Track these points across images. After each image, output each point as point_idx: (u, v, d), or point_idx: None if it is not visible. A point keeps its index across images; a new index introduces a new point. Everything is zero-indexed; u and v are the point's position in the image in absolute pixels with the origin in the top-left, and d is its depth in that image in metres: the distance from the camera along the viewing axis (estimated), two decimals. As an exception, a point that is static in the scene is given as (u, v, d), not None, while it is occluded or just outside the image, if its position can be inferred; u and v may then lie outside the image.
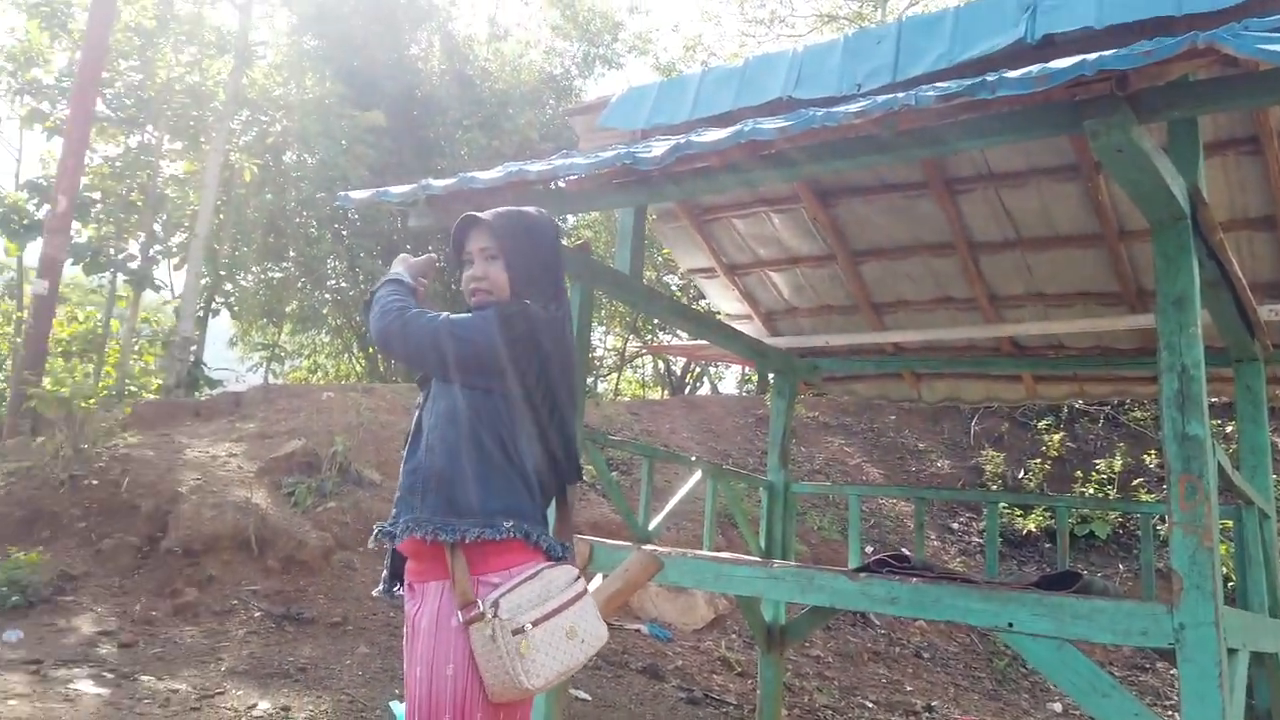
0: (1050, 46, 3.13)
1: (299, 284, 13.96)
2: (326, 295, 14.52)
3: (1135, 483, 10.77)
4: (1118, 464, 11.05)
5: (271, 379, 15.86)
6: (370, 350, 14.94)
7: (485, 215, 2.22)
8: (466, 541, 1.98)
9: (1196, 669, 2.43)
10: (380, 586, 2.26)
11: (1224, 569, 6.32)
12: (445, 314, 2.15)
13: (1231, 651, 2.64)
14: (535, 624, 1.94)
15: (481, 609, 1.93)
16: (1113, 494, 10.73)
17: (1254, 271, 4.41)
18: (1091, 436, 12.02)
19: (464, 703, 1.94)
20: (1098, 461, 11.23)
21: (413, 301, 2.24)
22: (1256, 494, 3.88)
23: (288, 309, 14.08)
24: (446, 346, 2.07)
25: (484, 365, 2.06)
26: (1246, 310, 3.62)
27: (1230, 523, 4.32)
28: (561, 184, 3.57)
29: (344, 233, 13.67)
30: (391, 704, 3.00)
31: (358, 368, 15.98)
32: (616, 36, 17.40)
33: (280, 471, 7.57)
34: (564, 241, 2.82)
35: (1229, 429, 9.45)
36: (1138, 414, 11.90)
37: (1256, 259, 4.40)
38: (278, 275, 14.03)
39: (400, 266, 2.39)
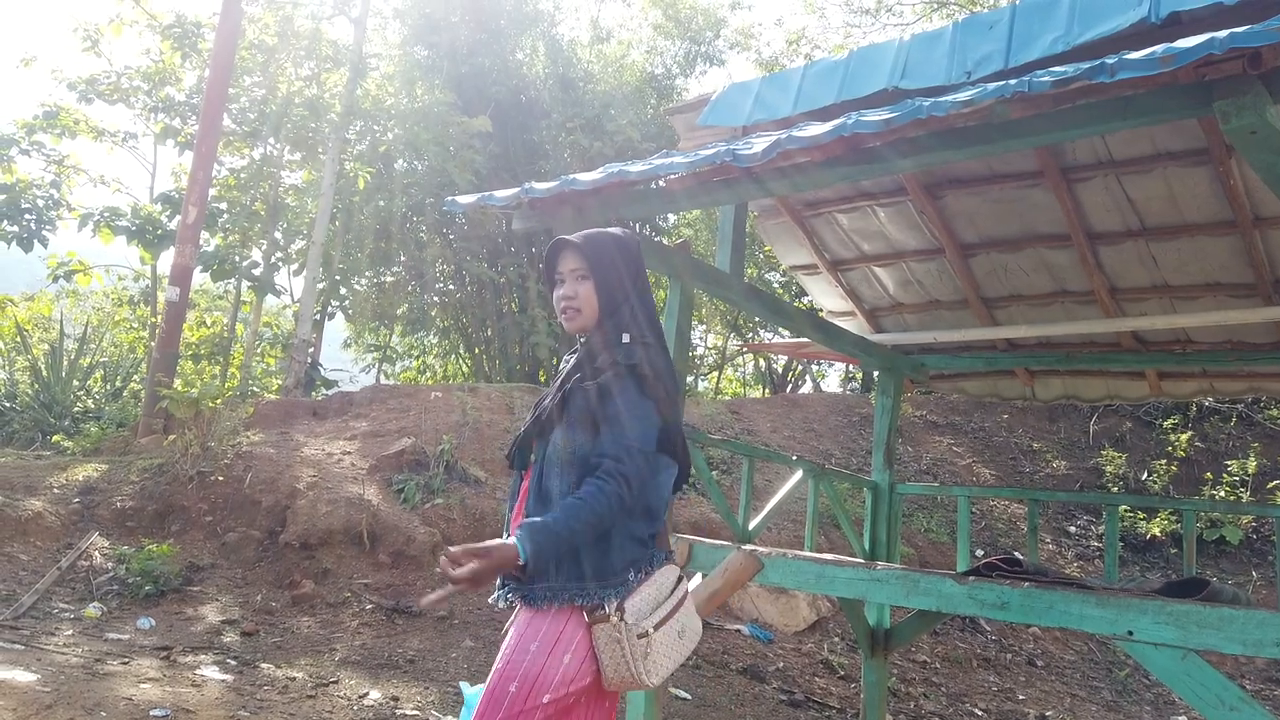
0: (1176, 25, 2.96)
1: (409, 287, 14.41)
2: (434, 298, 14.94)
3: (1271, 485, 10.12)
4: (1252, 465, 10.40)
5: (382, 379, 16.43)
6: (475, 350, 15.30)
7: (575, 238, 2.31)
8: (602, 605, 2.10)
9: (1343, 687, 2.26)
10: (495, 593, 2.29)
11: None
12: (625, 441, 2.12)
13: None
14: (656, 627, 2.09)
15: (607, 611, 2.06)
16: (1246, 497, 10.11)
17: None
18: (1223, 436, 11.35)
19: (537, 679, 2.03)
20: (1230, 462, 10.60)
21: (607, 486, 2.10)
22: None
23: (398, 311, 14.55)
24: (650, 469, 2.16)
25: (650, 447, 2.16)
26: (1399, 301, 3.35)
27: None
28: (662, 183, 3.57)
29: (451, 237, 14.04)
30: (461, 684, 3.07)
31: (464, 368, 16.40)
32: (719, 33, 17.32)
33: (390, 469, 7.84)
34: (664, 241, 2.84)
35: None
36: (1274, 412, 11.18)
37: None
38: (389, 279, 14.51)
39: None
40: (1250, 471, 10.36)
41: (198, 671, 4.79)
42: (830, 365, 18.04)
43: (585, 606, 2.08)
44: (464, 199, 3.63)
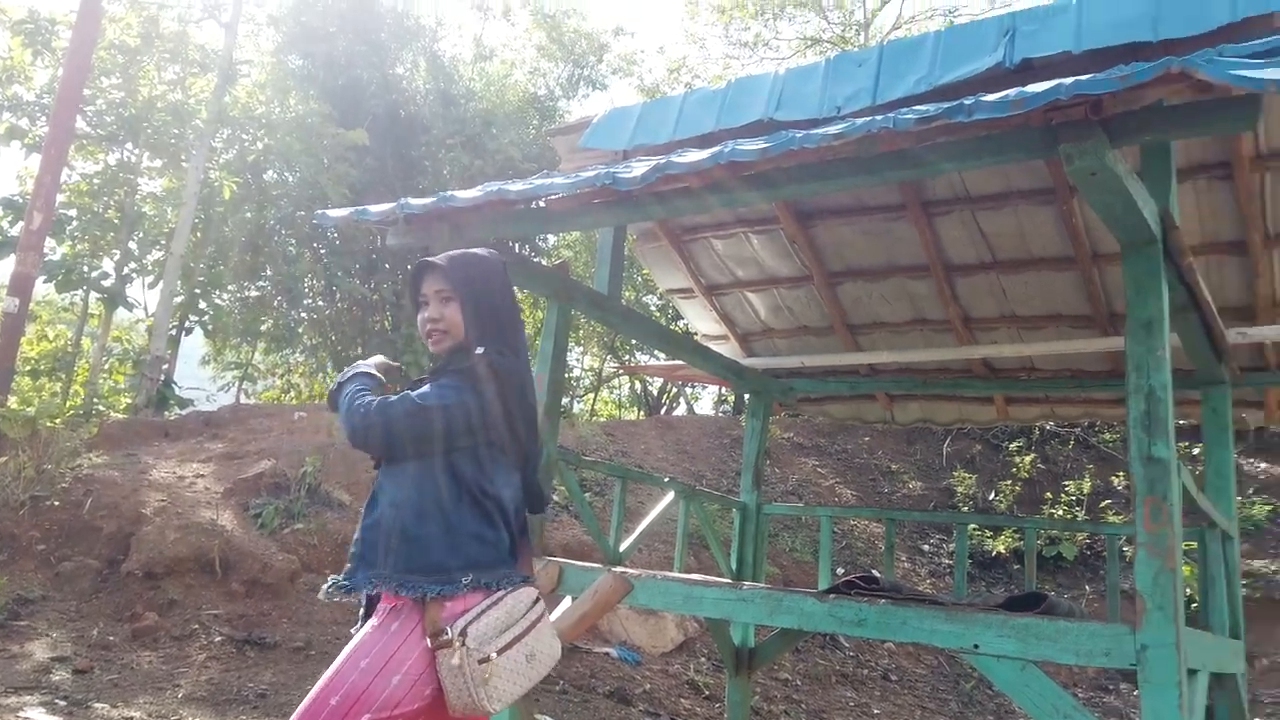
0: (1029, 71, 3.18)
1: (275, 303, 13.84)
2: (303, 314, 14.40)
3: (1103, 504, 10.88)
4: (1087, 486, 11.16)
5: (243, 399, 15.68)
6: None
7: (439, 259, 2.32)
8: (428, 598, 2.06)
9: (1157, 690, 2.44)
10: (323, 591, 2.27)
11: (1187, 590, 6.39)
12: (410, 394, 2.17)
13: (1192, 672, 2.67)
14: (500, 652, 2.04)
15: (449, 635, 2.01)
16: (1081, 515, 10.83)
17: (1223, 296, 4.49)
18: (1062, 458, 12.14)
19: (360, 698, 1.98)
20: (1067, 483, 11.34)
21: (381, 395, 2.26)
22: (1220, 516, 3.93)
23: (263, 328, 13.94)
24: (430, 429, 2.13)
25: (466, 429, 2.15)
26: (1215, 335, 3.68)
27: (1194, 544, 4.36)
28: (542, 204, 3.57)
29: (322, 251, 13.59)
30: None
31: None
32: (601, 58, 17.51)
33: (248, 493, 7.48)
34: (543, 262, 2.86)
35: (1195, 451, 9.58)
36: (1107, 436, 12.05)
37: (1226, 283, 4.48)
38: (254, 294, 13.90)
39: (368, 364, 2.42)
40: (1085, 491, 11.10)
41: (21, 714, 4.41)
42: (704, 388, 18.36)
43: (425, 620, 2.04)
44: (336, 213, 3.52)
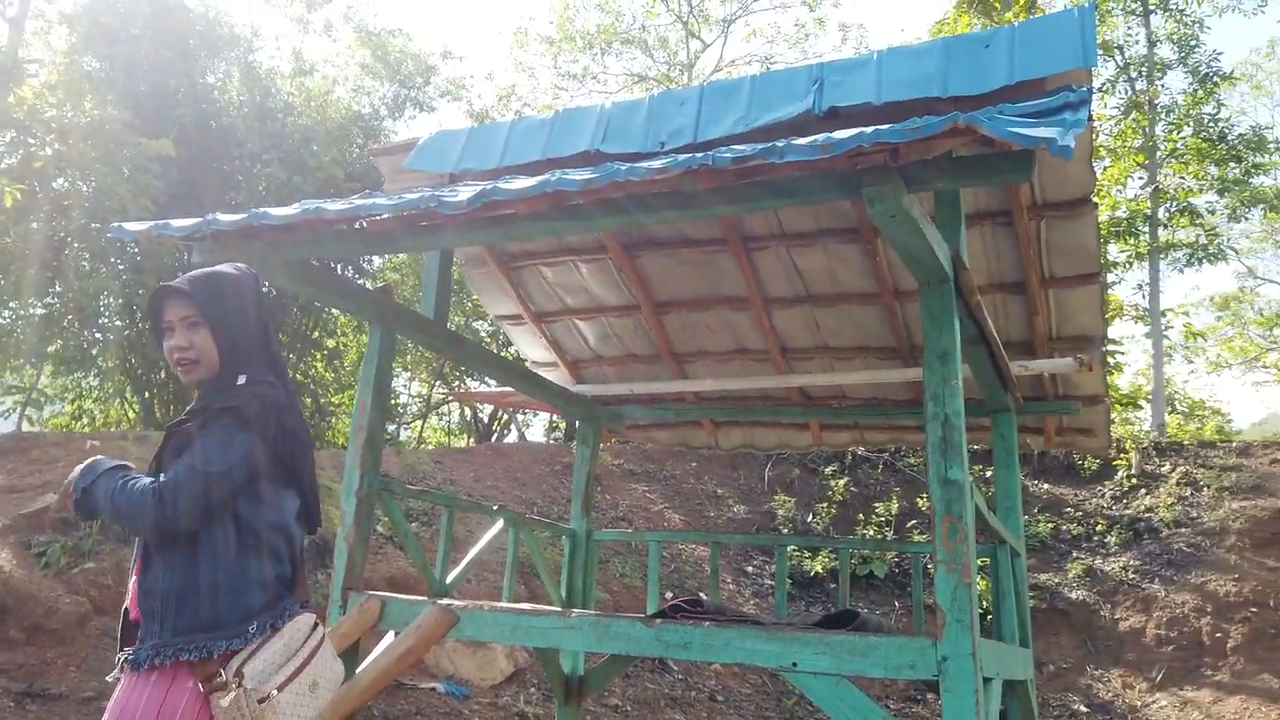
0: (835, 118, 3.39)
1: (66, 321, 12.68)
2: (98, 335, 13.26)
3: (910, 525, 11.59)
4: (894, 507, 11.86)
5: (27, 426, 14.24)
6: (145, 394, 13.76)
7: (182, 283, 2.19)
8: (214, 656, 1.97)
9: (957, 698, 2.62)
10: (116, 671, 2.13)
11: (982, 603, 6.91)
12: (191, 462, 2.05)
13: (987, 680, 2.87)
14: (281, 688, 1.98)
15: (225, 677, 1.94)
16: (889, 535, 11.49)
17: (1007, 331, 4.91)
18: (872, 481, 12.85)
19: None
20: (877, 505, 12.01)
21: (144, 476, 2.12)
22: (1009, 534, 4.28)
23: (51, 349, 12.73)
24: (219, 492, 2.05)
25: (249, 478, 2.09)
26: (1001, 366, 4.01)
27: (987, 560, 4.72)
28: (364, 224, 3.46)
29: (121, 267, 12.58)
30: None
31: (130, 414, 14.66)
32: (429, 80, 17.24)
33: (30, 530, 6.77)
34: (367, 284, 2.79)
35: (987, 474, 10.40)
36: (912, 460, 12.86)
37: (1009, 320, 4.91)
38: (39, 311, 12.68)
39: (105, 460, 2.24)
40: (894, 512, 11.80)
41: None
42: (535, 415, 18.26)
43: (196, 667, 1.93)
44: (134, 226, 3.28)
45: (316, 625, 2.17)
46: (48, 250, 11.91)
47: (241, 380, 2.15)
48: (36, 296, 12.44)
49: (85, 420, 15.53)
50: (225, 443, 2.06)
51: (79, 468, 2.17)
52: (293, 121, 14.17)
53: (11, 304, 12.28)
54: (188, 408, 2.24)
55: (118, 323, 13.53)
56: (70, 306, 12.55)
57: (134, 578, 2.15)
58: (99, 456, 2.22)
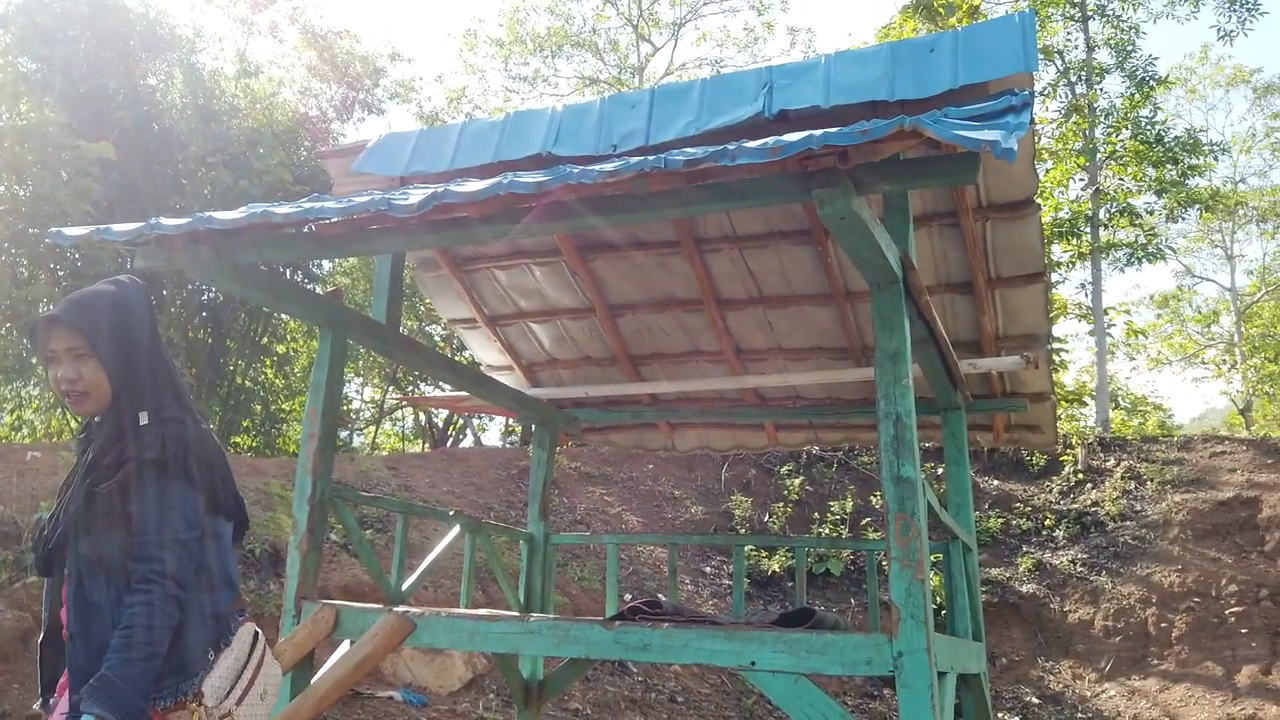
0: (785, 121, 3.42)
1: (3, 330, 12.31)
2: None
3: (864, 522, 11.74)
4: (849, 505, 11.99)
5: (-38, 436, 13.80)
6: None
7: (63, 312, 2.08)
8: (184, 699, 1.97)
9: (912, 693, 2.66)
10: (39, 701, 2.10)
11: (936, 598, 7.01)
12: (160, 538, 1.99)
13: (941, 674, 2.92)
14: (240, 702, 1.99)
15: (185, 699, 1.92)
16: (845, 533, 11.62)
17: (955, 331, 5.00)
18: (827, 480, 12.98)
19: None
20: (832, 503, 12.14)
21: (153, 594, 1.97)
22: (961, 529, 4.35)
23: (-14, 358, 12.35)
24: (198, 555, 2.05)
25: (196, 531, 2.06)
26: (950, 365, 4.08)
27: (940, 556, 4.80)
28: (313, 228, 3.41)
29: (61, 274, 12.25)
30: None
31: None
32: (378, 82, 17.05)
33: (-38, 554, 6.56)
34: (316, 289, 2.75)
35: (939, 471, 10.57)
36: (865, 459, 13.02)
37: (958, 319, 4.99)
38: (-27, 319, 12.30)
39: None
40: (848, 511, 11.94)
41: None
42: (491, 419, 18.15)
43: (159, 711, 1.90)
44: (74, 231, 3.20)
45: (257, 634, 2.16)
46: (-18, 256, 11.56)
47: (144, 419, 2.07)
48: (-30, 304, 12.06)
49: (26, 431, 15.08)
50: (175, 505, 2.01)
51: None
52: (238, 124, 13.93)
53: (-56, 312, 11.90)
54: (87, 454, 2.13)
55: (59, 331, 13.16)
56: (8, 314, 12.18)
57: (61, 616, 2.09)
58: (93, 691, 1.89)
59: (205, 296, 14.02)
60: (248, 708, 2.00)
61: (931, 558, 4.89)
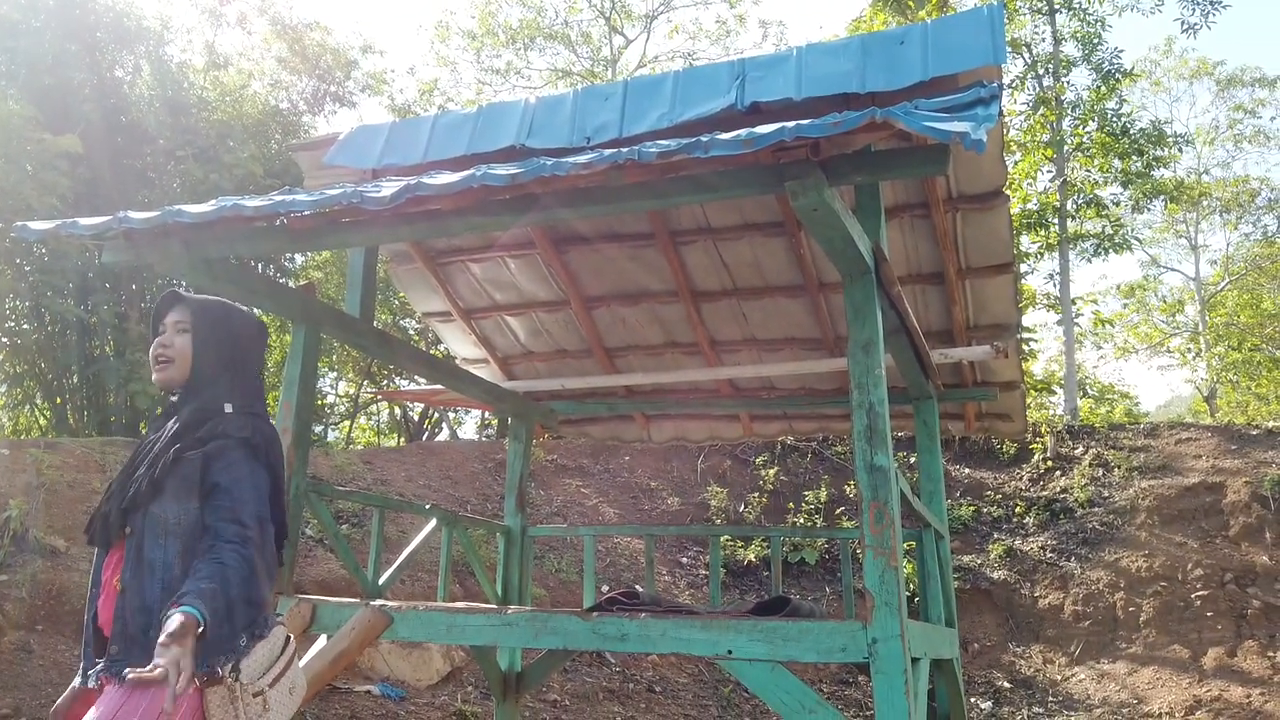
0: (757, 113, 3.44)
1: (-33, 326, 12.10)
2: (4, 339, 12.69)
3: (839, 512, 11.84)
4: (823, 495, 12.09)
5: (-74, 435, 13.56)
6: (57, 400, 13.22)
7: (190, 295, 2.36)
8: (220, 674, 2.05)
9: (886, 678, 2.70)
10: (81, 675, 2.17)
11: (909, 585, 7.09)
12: (235, 507, 2.12)
13: (915, 660, 2.96)
14: (272, 685, 2.11)
15: (222, 674, 2.02)
16: (820, 522, 11.71)
17: (927, 321, 5.05)
18: (801, 470, 13.06)
19: None
20: (807, 493, 12.22)
21: (246, 552, 2.09)
22: (933, 517, 4.41)
23: (-51, 354, 12.14)
24: (267, 522, 2.20)
25: (266, 512, 2.21)
26: (922, 355, 4.13)
27: (914, 544, 4.86)
28: (284, 221, 3.39)
29: (28, 269, 12.05)
30: None
31: (41, 420, 14.06)
32: (349, 75, 16.89)
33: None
34: (289, 283, 2.80)
35: (911, 460, 10.68)
36: (839, 448, 13.12)
37: (929, 310, 5.05)
38: (-64, 315, 12.08)
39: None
40: (823, 500, 12.03)
41: None
42: (467, 412, 18.09)
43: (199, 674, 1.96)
44: (39, 225, 3.16)
45: (289, 638, 2.27)
46: (-55, 252, 11.36)
47: (229, 408, 2.25)
48: (-67, 300, 11.85)
49: (-11, 429, 14.84)
50: (258, 486, 2.19)
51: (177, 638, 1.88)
52: (207, 117, 13.77)
53: (-94, 309, 11.69)
54: (168, 429, 2.27)
55: (25, 326, 12.99)
56: (-29, 310, 11.98)
57: (106, 592, 2.18)
58: (176, 621, 1.90)
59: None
60: (278, 693, 2.12)
61: (904, 545, 4.97)
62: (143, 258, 3.24)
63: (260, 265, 13.07)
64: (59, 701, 2.22)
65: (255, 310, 2.54)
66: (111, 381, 12.12)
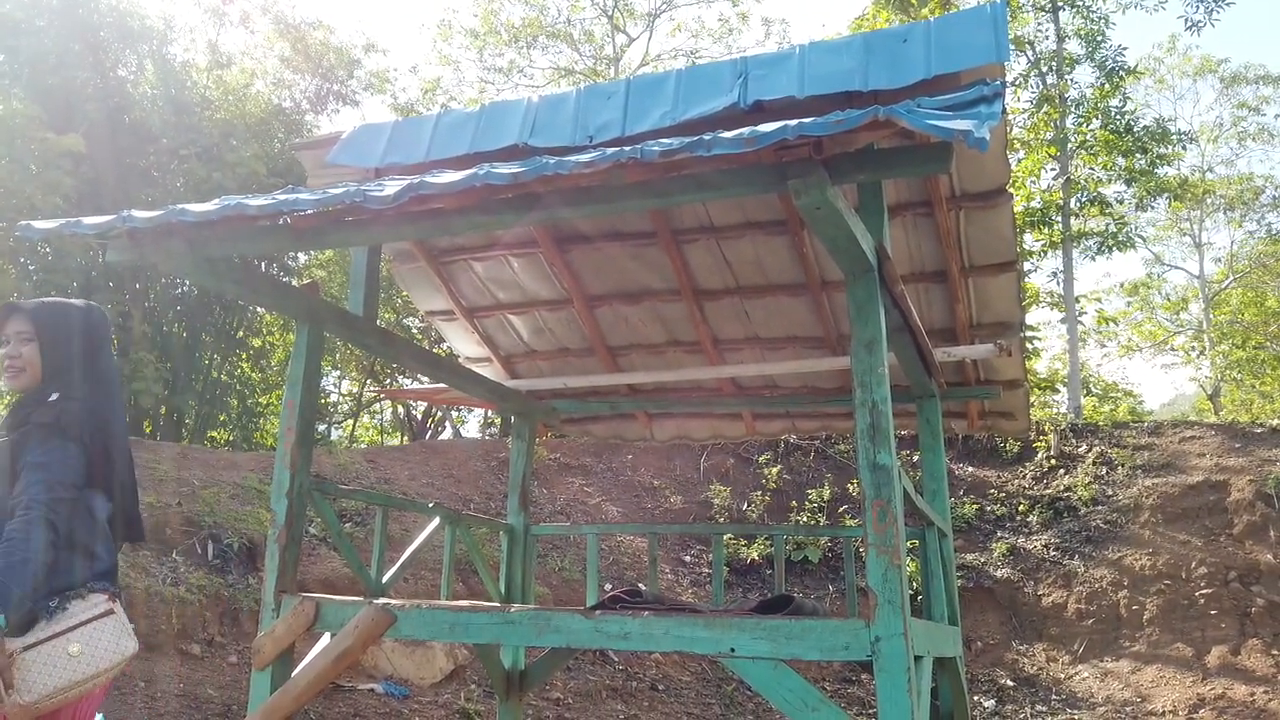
0: (760, 112, 3.44)
1: (-31, 323, 12.16)
2: (6, 337, 12.75)
3: (841, 510, 11.84)
4: (826, 493, 12.09)
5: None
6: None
7: (28, 304, 2.62)
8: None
9: (890, 677, 2.70)
10: None
11: (912, 584, 7.09)
12: (46, 477, 2.40)
13: (918, 659, 2.96)
14: (28, 647, 2.32)
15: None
16: (823, 521, 11.71)
17: (930, 319, 5.05)
18: (804, 469, 13.07)
19: None
20: (810, 491, 12.23)
21: (32, 515, 2.37)
22: (936, 515, 4.40)
23: (-47, 353, 12.19)
24: (72, 495, 2.44)
25: (71, 484, 2.45)
26: (924, 353, 4.12)
27: (917, 542, 4.85)
28: (287, 220, 3.39)
29: (32, 268, 12.09)
30: None
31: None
32: (352, 73, 16.90)
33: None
34: (293, 282, 2.90)
35: (914, 459, 10.67)
36: (842, 447, 13.12)
37: (932, 308, 5.04)
38: (-60, 314, 12.14)
39: None
40: (826, 499, 12.03)
41: None
42: (470, 411, 18.11)
43: None
44: (43, 224, 3.16)
45: (110, 611, 2.50)
46: (-51, 251, 11.40)
47: (54, 397, 2.51)
48: (-63, 300, 11.90)
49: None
50: (64, 459, 2.44)
51: None
52: (210, 116, 13.79)
53: (-89, 308, 11.74)
54: (4, 419, 2.60)
55: (28, 326, 13.03)
56: (-24, 310, 12.04)
57: None
58: None
59: (179, 290, 13.87)
60: (48, 656, 2.33)
61: (908, 544, 4.96)
62: (147, 257, 3.24)
63: (263, 264, 13.10)
64: None
65: (264, 310, 2.82)
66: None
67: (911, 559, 7.99)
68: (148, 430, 13.05)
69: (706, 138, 2.36)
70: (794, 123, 2.34)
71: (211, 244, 3.30)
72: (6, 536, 2.32)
